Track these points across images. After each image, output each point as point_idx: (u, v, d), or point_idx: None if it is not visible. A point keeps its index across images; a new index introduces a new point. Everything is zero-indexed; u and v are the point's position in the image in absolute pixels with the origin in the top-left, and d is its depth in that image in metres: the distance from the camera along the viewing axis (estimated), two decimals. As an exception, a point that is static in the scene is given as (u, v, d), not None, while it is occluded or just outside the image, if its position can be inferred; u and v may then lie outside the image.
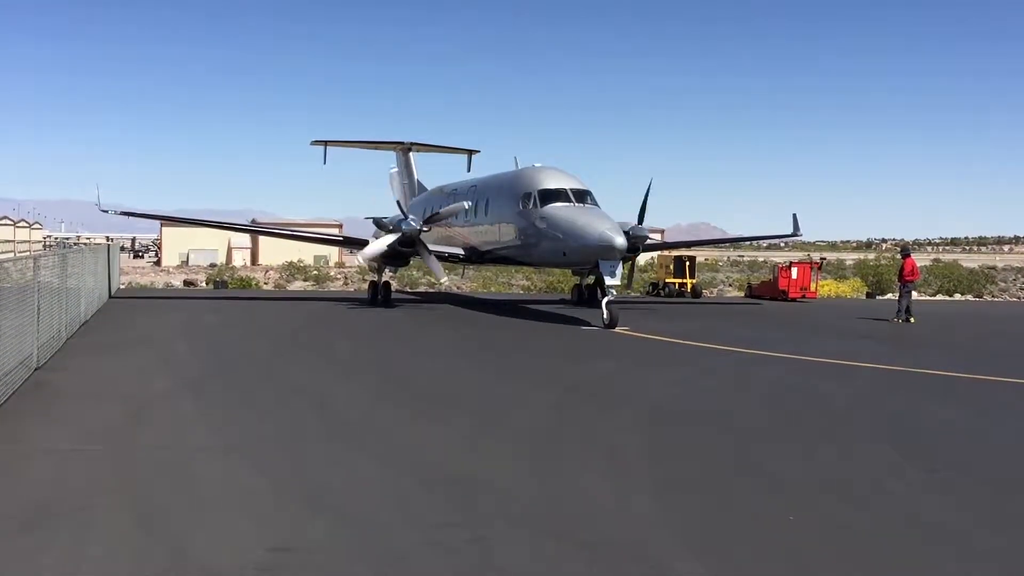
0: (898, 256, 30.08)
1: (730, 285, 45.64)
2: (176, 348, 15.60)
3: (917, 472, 7.85)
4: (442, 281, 26.85)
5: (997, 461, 8.44)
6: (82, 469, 7.32)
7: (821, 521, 6.35)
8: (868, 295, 40.28)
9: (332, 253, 74.34)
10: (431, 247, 25.18)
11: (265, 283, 43.60)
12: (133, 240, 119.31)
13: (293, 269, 50.05)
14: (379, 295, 26.62)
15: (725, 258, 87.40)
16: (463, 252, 27.36)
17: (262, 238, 73.73)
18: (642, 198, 23.76)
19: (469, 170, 35.33)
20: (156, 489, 6.82)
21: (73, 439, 8.39)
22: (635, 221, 23.43)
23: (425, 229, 24.79)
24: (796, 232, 32.44)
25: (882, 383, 13.02)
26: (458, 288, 40.16)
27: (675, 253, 37.64)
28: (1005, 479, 7.72)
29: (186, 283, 43.52)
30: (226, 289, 37.63)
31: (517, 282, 42.51)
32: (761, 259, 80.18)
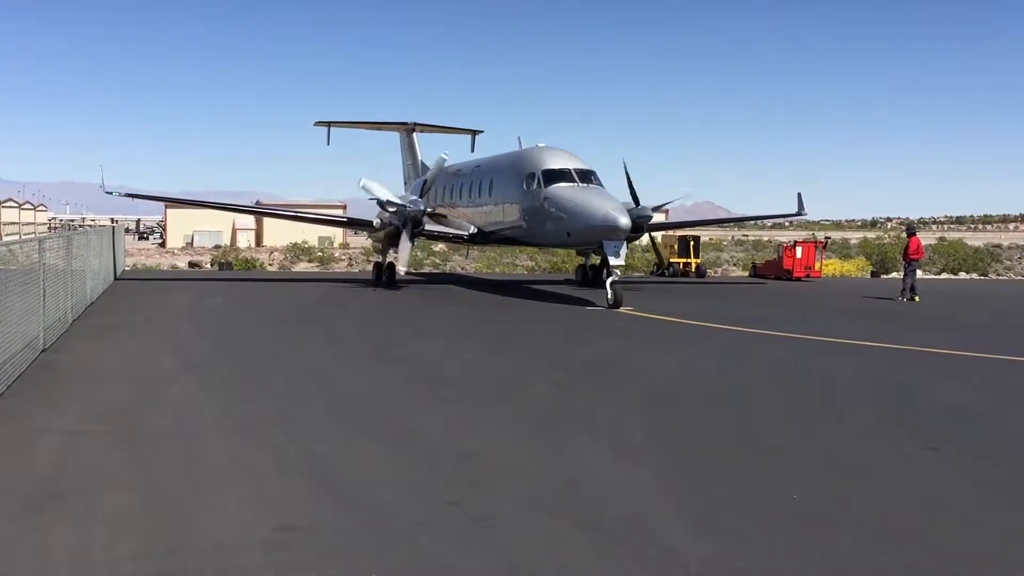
0: (903, 235, 30.00)
1: (734, 265, 45.60)
2: (181, 329, 15.65)
3: (920, 449, 7.87)
4: (471, 230, 25.93)
5: (1000, 438, 8.44)
6: (88, 450, 7.37)
7: (824, 499, 6.37)
8: (872, 274, 40.18)
9: (336, 234, 74.35)
10: (433, 227, 25.40)
11: (270, 264, 43.70)
12: (138, 222, 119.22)
13: (297, 250, 50.06)
14: (384, 276, 26.67)
15: (729, 237, 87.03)
16: (467, 233, 27.37)
17: (266, 220, 73.73)
18: (625, 180, 23.83)
19: (473, 151, 35.27)
20: (162, 469, 6.86)
21: (79, 420, 8.44)
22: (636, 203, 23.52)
23: (430, 209, 24.91)
24: (801, 211, 32.34)
25: (886, 361, 13.02)
26: (462, 269, 40.15)
27: (679, 233, 37.58)
28: (1008, 456, 7.72)
29: (191, 264, 43.66)
30: (231, 271, 37.69)
31: (521, 262, 42.48)
32: (765, 238, 79.98)
